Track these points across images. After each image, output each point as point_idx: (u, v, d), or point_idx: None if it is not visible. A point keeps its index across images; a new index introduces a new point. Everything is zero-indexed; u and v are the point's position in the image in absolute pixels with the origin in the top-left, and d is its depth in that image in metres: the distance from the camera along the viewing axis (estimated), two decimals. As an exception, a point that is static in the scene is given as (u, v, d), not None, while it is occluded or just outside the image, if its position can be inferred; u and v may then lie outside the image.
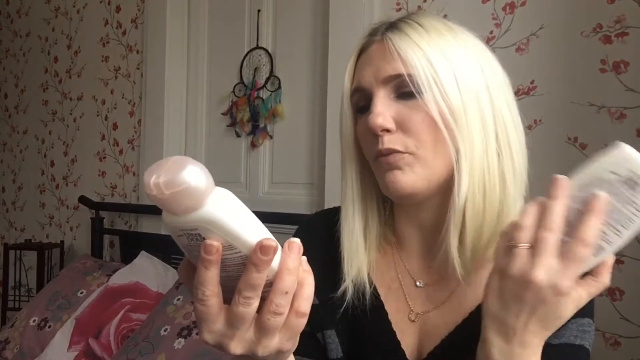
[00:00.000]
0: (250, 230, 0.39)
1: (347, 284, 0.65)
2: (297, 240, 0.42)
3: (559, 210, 0.45)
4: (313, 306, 0.68)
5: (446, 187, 0.60)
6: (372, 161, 0.63)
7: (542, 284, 0.45)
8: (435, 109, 0.57)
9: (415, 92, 0.58)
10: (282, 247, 0.42)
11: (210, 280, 0.40)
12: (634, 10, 1.09)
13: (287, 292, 0.41)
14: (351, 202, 0.66)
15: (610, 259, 0.46)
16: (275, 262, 0.41)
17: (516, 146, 0.61)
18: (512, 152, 0.60)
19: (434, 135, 0.58)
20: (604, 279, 0.46)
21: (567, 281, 0.45)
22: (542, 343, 0.50)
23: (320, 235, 0.72)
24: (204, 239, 0.39)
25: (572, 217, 0.45)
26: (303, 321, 0.43)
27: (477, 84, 0.59)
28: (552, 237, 0.45)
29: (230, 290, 0.41)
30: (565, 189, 0.45)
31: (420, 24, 0.60)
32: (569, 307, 0.46)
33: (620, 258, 1.09)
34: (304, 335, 0.69)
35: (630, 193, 0.43)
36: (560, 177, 0.45)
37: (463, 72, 0.58)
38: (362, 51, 0.64)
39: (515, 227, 0.47)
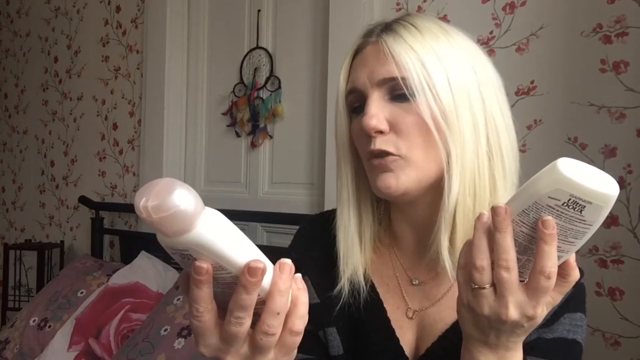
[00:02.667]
0: (239, 251, 0.40)
1: (343, 283, 0.66)
2: (288, 261, 0.43)
3: (509, 244, 0.45)
4: (314, 305, 0.69)
5: (438, 186, 0.61)
6: (365, 161, 0.64)
7: (516, 319, 0.46)
8: (428, 112, 0.57)
9: (408, 95, 0.58)
10: (280, 259, 0.43)
11: (203, 298, 0.41)
12: (634, 10, 1.09)
13: (278, 313, 0.42)
14: (346, 201, 0.67)
15: (570, 258, 0.46)
16: (266, 281, 0.41)
17: (507, 148, 0.61)
18: (503, 154, 0.60)
19: (426, 137, 0.58)
20: (572, 277, 0.46)
21: (538, 309, 0.46)
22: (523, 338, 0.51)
23: (319, 236, 0.73)
24: (195, 259, 0.39)
25: (522, 239, 0.45)
26: (297, 339, 0.44)
27: (469, 86, 0.59)
28: (512, 276, 0.45)
29: (226, 306, 0.42)
30: (508, 218, 0.44)
31: (415, 26, 0.60)
32: (544, 314, 0.47)
33: (620, 258, 1.10)
34: (306, 333, 0.70)
35: (574, 213, 0.42)
36: (501, 206, 0.45)
37: (456, 75, 0.59)
38: (357, 52, 0.65)
39: (473, 268, 0.47)
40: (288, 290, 0.42)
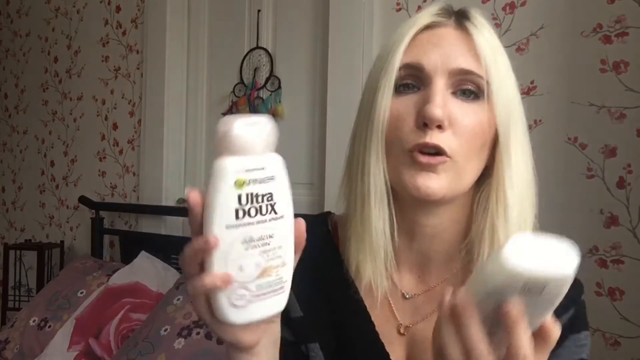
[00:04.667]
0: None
1: (366, 282, 0.61)
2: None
3: (477, 337, 0.42)
4: (297, 318, 0.67)
5: (463, 199, 0.58)
6: (402, 151, 0.56)
7: None
8: (492, 118, 0.55)
9: (481, 95, 0.55)
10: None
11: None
12: (634, 10, 1.09)
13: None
14: (380, 198, 0.58)
15: (547, 320, 0.44)
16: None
17: (531, 168, 0.59)
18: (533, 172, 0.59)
19: (479, 147, 0.55)
20: (553, 337, 0.44)
21: None
22: None
23: (309, 244, 0.71)
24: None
25: (491, 318, 0.43)
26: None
27: (518, 96, 0.58)
28: None
29: None
30: (470, 312, 0.43)
31: (485, 23, 0.58)
32: None
33: (620, 258, 1.10)
34: (287, 345, 0.65)
35: (533, 295, 0.41)
36: (463, 300, 0.43)
37: (514, 84, 0.57)
38: (427, 28, 0.58)
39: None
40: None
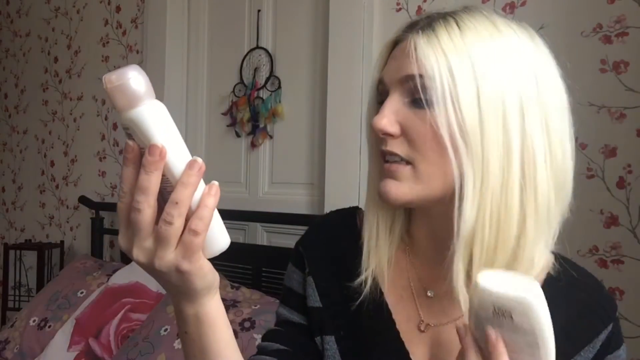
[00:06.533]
0: (168, 140, 0.43)
1: (367, 276, 0.63)
2: (198, 159, 0.45)
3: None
4: (315, 308, 0.68)
5: (450, 202, 0.55)
6: (377, 160, 0.60)
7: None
8: (445, 126, 0.52)
9: (425, 103, 0.53)
10: (193, 157, 0.46)
11: (127, 178, 0.45)
12: (634, 10, 1.09)
13: (177, 203, 0.43)
14: (374, 196, 0.63)
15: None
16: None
17: (543, 183, 0.53)
18: (537, 187, 0.53)
19: (439, 152, 0.53)
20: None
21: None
22: None
23: (334, 236, 0.71)
24: (131, 139, 0.44)
25: (482, 339, 0.47)
26: (196, 240, 0.44)
27: (507, 101, 0.52)
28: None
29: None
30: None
31: (459, 24, 0.54)
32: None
33: (620, 258, 1.10)
34: (299, 328, 0.67)
35: (507, 320, 0.44)
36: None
37: (490, 86, 0.52)
38: (397, 43, 0.59)
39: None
40: (191, 185, 0.44)
